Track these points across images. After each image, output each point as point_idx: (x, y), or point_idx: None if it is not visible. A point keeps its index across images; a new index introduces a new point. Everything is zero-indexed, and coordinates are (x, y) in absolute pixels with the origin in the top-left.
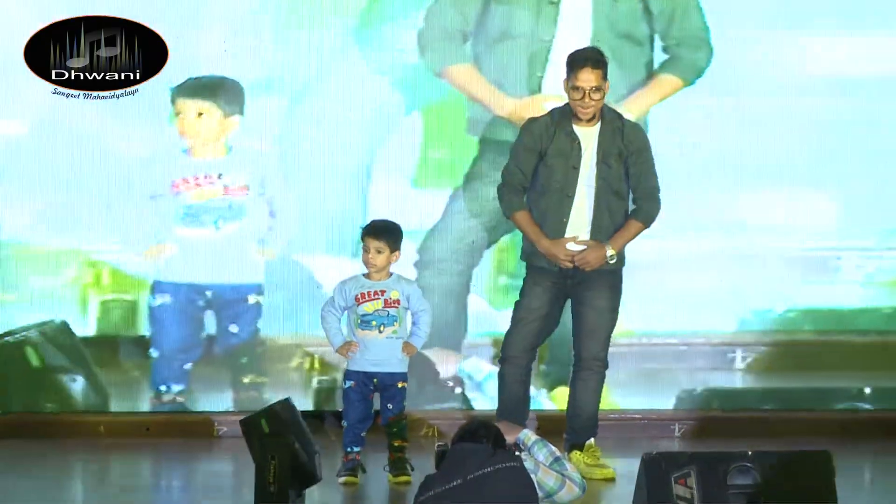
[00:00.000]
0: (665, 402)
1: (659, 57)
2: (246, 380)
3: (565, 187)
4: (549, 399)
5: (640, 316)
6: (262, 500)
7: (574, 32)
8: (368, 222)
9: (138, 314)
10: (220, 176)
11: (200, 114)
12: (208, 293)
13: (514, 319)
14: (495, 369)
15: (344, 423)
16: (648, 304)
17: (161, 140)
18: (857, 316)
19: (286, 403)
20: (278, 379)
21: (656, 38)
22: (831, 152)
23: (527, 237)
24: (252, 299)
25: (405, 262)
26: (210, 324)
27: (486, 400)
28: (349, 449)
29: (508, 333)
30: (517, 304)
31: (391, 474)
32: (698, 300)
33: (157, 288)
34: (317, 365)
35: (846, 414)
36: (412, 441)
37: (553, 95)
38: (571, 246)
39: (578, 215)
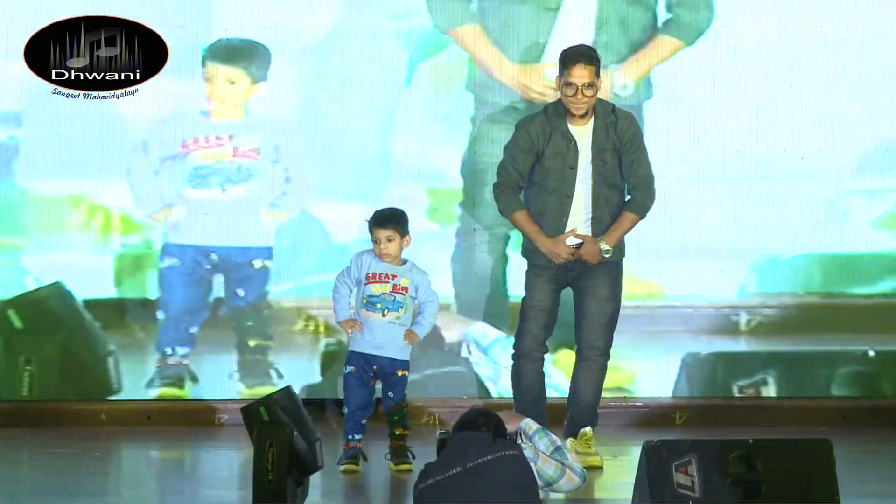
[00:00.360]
0: (670, 365)
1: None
2: (252, 343)
3: (563, 187)
4: (552, 363)
5: (646, 277)
6: (261, 489)
7: None
8: (373, 213)
9: (146, 264)
10: (230, 137)
11: (232, 82)
12: (214, 256)
13: (522, 316)
14: (501, 334)
15: (345, 410)
16: (654, 265)
17: (179, 100)
18: (864, 261)
19: (286, 391)
20: (284, 342)
21: None
22: (839, 98)
23: (526, 236)
24: (259, 263)
25: (447, 230)
26: (218, 287)
27: (490, 365)
28: (350, 436)
29: (519, 331)
30: (524, 300)
31: (392, 462)
32: (704, 251)
33: (165, 250)
34: (322, 329)
35: (846, 402)
36: (413, 429)
37: (555, 64)
38: (570, 240)
39: (577, 213)
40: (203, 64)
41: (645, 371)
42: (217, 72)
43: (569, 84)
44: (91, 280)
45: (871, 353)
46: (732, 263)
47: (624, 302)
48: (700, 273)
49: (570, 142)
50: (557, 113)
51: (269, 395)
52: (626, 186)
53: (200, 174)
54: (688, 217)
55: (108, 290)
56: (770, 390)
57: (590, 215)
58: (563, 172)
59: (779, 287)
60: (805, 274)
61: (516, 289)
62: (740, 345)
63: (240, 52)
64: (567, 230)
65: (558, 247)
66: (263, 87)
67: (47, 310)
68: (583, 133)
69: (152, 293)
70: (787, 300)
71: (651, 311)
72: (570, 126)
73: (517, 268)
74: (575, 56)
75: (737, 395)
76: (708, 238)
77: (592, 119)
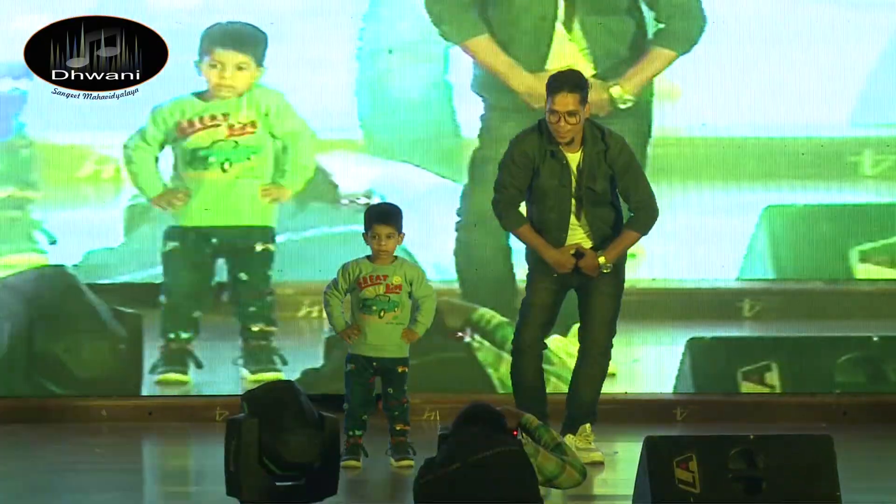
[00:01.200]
0: (673, 351)
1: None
2: (255, 328)
3: (560, 204)
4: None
5: (650, 263)
6: (227, 480)
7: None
8: (371, 208)
9: (155, 217)
10: (225, 116)
11: (241, 68)
12: (214, 239)
13: (522, 313)
14: (504, 320)
15: (345, 407)
16: (660, 249)
17: (174, 81)
18: (873, 211)
19: (279, 384)
20: (288, 328)
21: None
22: (847, 50)
23: (533, 249)
24: (261, 247)
25: (445, 224)
26: (220, 271)
27: (490, 351)
28: (351, 433)
29: (519, 327)
30: (524, 298)
31: (393, 458)
32: (711, 207)
33: (167, 234)
34: (325, 314)
35: (847, 398)
36: (414, 425)
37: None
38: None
39: (575, 228)
40: (208, 51)
41: (648, 357)
42: (227, 59)
43: (552, 111)
44: (101, 233)
45: (876, 339)
46: (741, 216)
47: (627, 289)
48: (706, 236)
49: (563, 161)
50: (550, 132)
51: (250, 390)
52: (629, 207)
53: (199, 156)
54: (693, 174)
55: (118, 241)
56: (774, 376)
57: (588, 230)
58: (559, 190)
59: (788, 237)
60: (813, 225)
61: (523, 274)
62: (744, 330)
63: (249, 39)
64: (568, 243)
65: (564, 257)
66: (262, 72)
67: (51, 296)
68: (572, 161)
69: (157, 271)
70: (790, 286)
71: (655, 296)
72: (561, 148)
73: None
74: (559, 83)
75: (741, 381)
76: (716, 194)
77: (582, 147)
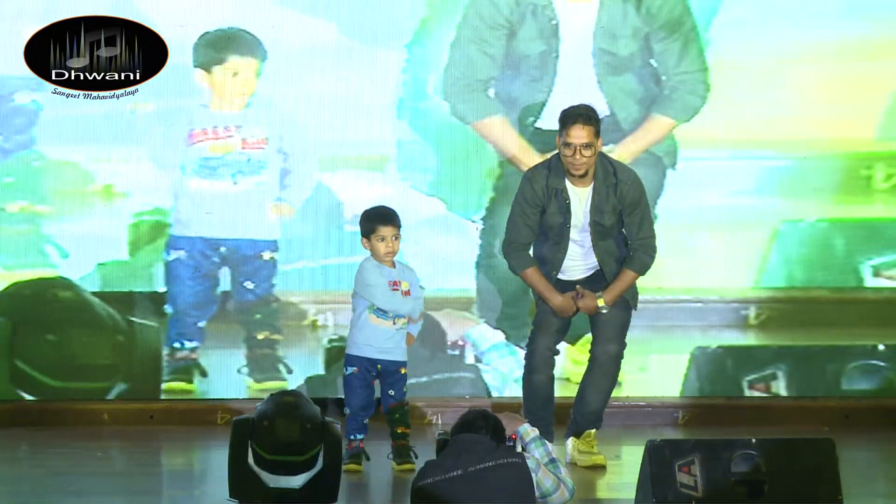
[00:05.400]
0: (679, 359)
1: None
2: (260, 336)
3: (562, 242)
4: None
5: (655, 271)
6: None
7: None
8: (370, 212)
9: (162, 233)
10: (238, 128)
11: (258, 74)
12: (223, 249)
13: (536, 322)
14: (500, 340)
15: (346, 411)
16: (665, 257)
17: (181, 91)
18: (885, 226)
19: (288, 392)
20: (293, 336)
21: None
22: (860, 66)
23: (538, 293)
24: (268, 255)
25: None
26: (225, 280)
27: (497, 373)
28: (352, 436)
29: (532, 338)
30: (538, 309)
31: (395, 462)
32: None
33: (172, 243)
34: (330, 322)
35: (849, 402)
36: (415, 428)
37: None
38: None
39: (576, 266)
40: (219, 59)
41: (654, 365)
42: (245, 65)
43: (567, 144)
44: (110, 247)
45: (882, 348)
46: (756, 229)
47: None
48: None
49: (567, 201)
50: (559, 170)
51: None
52: (628, 244)
53: (209, 165)
54: (710, 185)
55: (123, 255)
56: (780, 385)
57: (591, 264)
58: (564, 228)
59: (801, 252)
60: (826, 240)
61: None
62: (749, 339)
63: (256, 44)
64: (568, 277)
65: (567, 304)
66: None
67: (53, 304)
68: (582, 195)
69: (161, 284)
70: (795, 294)
71: (660, 305)
72: (569, 185)
73: None
74: (573, 116)
75: (746, 389)
76: (732, 205)
77: (593, 182)
